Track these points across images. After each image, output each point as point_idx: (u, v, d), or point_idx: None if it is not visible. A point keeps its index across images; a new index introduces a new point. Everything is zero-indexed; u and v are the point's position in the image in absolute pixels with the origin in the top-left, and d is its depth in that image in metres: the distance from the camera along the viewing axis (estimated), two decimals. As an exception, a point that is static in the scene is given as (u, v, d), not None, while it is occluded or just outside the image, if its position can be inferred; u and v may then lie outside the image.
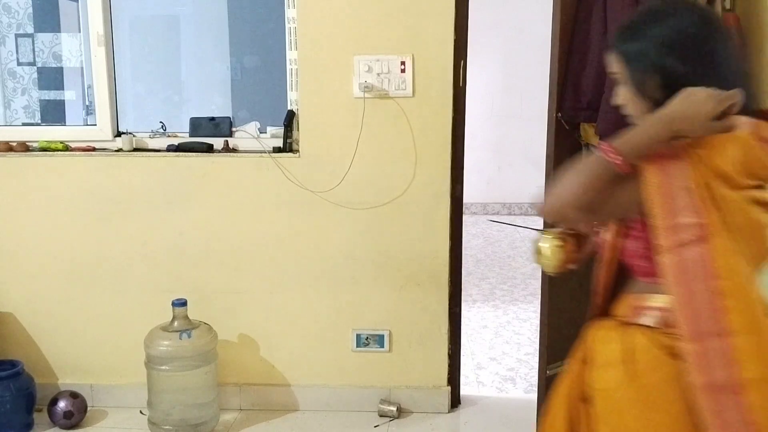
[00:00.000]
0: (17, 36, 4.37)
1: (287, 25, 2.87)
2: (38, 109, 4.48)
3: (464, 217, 2.99)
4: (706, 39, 1.30)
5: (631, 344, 1.35)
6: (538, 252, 1.60)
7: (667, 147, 1.28)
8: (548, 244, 1.58)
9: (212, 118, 3.02)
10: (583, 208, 1.31)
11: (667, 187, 1.25)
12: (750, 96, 1.31)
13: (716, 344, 1.23)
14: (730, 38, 1.36)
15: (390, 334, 2.99)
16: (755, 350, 1.23)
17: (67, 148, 2.99)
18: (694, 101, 1.24)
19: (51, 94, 4.49)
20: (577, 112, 2.39)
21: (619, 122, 2.29)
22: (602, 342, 1.42)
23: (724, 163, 1.24)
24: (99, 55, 2.96)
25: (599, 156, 1.29)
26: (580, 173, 1.31)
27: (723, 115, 1.24)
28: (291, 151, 2.91)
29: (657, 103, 1.29)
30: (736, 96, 1.25)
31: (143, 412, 2.92)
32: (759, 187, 1.30)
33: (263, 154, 2.90)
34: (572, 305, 2.54)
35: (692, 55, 1.30)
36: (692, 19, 1.31)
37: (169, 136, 3.03)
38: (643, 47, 1.33)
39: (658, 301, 1.35)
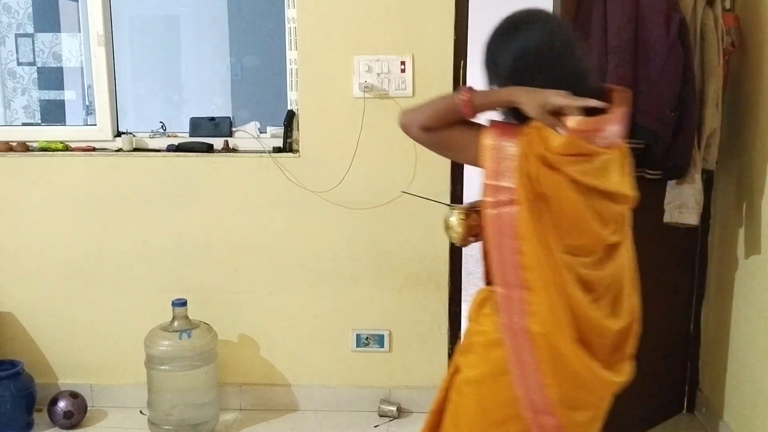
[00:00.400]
0: (17, 36, 4.37)
1: (287, 25, 2.87)
2: (38, 109, 4.48)
3: (464, 217, 2.99)
4: (541, 62, 1.47)
5: (481, 305, 1.62)
6: (446, 225, 1.79)
7: (510, 122, 1.50)
8: (454, 218, 1.77)
9: (212, 118, 3.02)
10: (425, 128, 1.55)
11: (497, 152, 1.45)
12: (588, 94, 1.46)
13: (517, 294, 1.47)
14: (572, 50, 1.50)
15: (390, 334, 2.99)
16: (545, 307, 1.44)
17: (67, 148, 2.99)
18: (543, 89, 1.43)
19: (51, 94, 4.48)
20: (576, 112, 2.40)
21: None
22: (471, 302, 1.68)
23: (543, 145, 1.42)
24: (99, 55, 2.96)
25: (454, 93, 1.53)
26: (434, 101, 1.56)
27: (560, 114, 1.41)
28: (291, 151, 2.91)
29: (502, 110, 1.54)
30: (584, 102, 1.41)
31: (143, 412, 2.92)
32: (586, 155, 1.44)
33: (263, 154, 2.90)
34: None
35: (525, 75, 1.47)
36: (529, 43, 1.47)
37: (169, 136, 3.03)
38: (488, 62, 1.55)
39: None
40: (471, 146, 1.49)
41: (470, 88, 1.51)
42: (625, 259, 1.58)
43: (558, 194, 1.42)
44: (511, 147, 1.43)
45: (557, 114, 1.41)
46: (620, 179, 1.51)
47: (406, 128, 1.59)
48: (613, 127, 1.48)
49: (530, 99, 1.42)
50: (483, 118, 1.55)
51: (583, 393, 1.52)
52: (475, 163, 1.51)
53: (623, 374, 1.57)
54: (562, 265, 1.45)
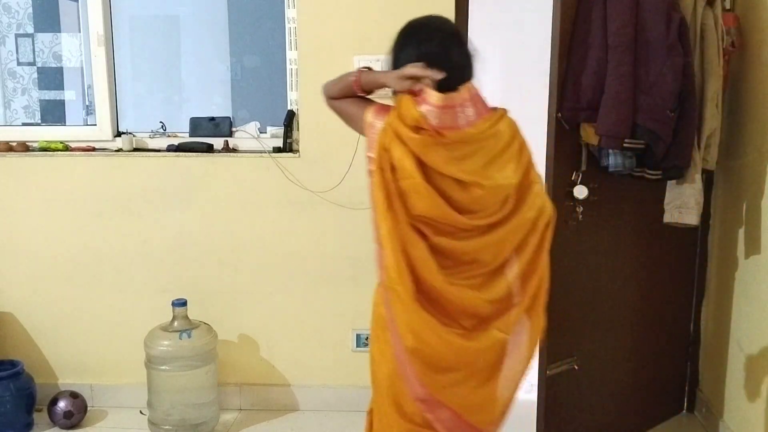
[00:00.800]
0: (17, 36, 4.36)
1: (287, 25, 2.87)
2: (38, 109, 4.47)
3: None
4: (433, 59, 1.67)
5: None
6: None
7: (391, 102, 1.71)
8: None
9: (212, 118, 3.02)
10: (330, 97, 1.83)
11: (372, 127, 1.69)
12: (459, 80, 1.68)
13: (380, 250, 1.65)
14: (449, 55, 1.70)
15: (390, 334, 2.98)
16: (391, 262, 1.62)
17: (67, 148, 2.99)
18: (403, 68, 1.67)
19: (51, 94, 4.48)
20: (576, 112, 2.39)
21: (619, 122, 2.29)
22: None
23: (399, 119, 1.62)
24: (99, 55, 2.96)
25: (352, 72, 1.79)
26: (342, 76, 1.82)
27: (416, 80, 1.63)
28: (291, 151, 2.91)
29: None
30: (432, 73, 1.62)
31: (143, 412, 2.92)
32: (446, 140, 1.61)
33: (263, 154, 2.90)
34: (572, 304, 2.54)
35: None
36: (415, 51, 1.69)
37: (169, 136, 3.03)
38: (391, 62, 1.76)
39: None
40: (359, 119, 1.74)
41: (365, 68, 1.79)
42: (511, 240, 1.69)
43: (402, 167, 1.61)
44: (380, 123, 1.67)
45: (413, 79, 1.64)
46: (481, 168, 1.63)
47: (323, 95, 1.85)
48: (468, 108, 1.65)
49: (391, 76, 1.69)
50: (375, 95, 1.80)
51: (434, 351, 1.64)
52: (363, 134, 1.75)
53: (481, 342, 1.68)
54: (407, 230, 1.63)
